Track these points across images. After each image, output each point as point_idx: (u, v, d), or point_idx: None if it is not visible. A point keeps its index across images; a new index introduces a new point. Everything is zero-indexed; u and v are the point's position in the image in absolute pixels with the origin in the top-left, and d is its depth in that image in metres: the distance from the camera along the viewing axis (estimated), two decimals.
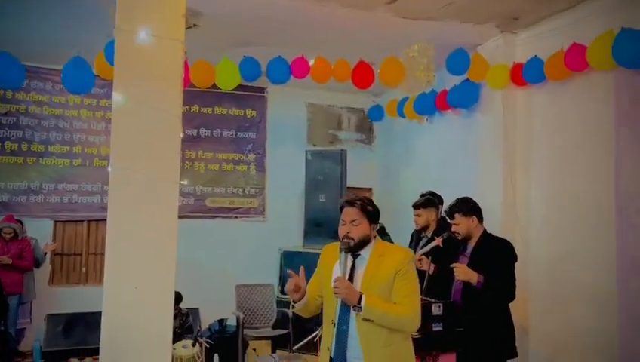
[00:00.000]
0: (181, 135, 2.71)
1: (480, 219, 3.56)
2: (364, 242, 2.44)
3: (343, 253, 2.39)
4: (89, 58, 4.42)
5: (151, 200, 2.65)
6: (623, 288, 3.65)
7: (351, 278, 2.41)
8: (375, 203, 2.55)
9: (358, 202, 2.46)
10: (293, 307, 2.52)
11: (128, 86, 2.63)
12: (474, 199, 3.62)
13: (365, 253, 2.46)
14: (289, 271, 2.50)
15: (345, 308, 2.41)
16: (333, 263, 2.48)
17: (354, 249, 2.43)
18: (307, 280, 2.61)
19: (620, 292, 3.67)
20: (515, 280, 3.38)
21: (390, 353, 2.38)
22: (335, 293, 2.33)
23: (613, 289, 3.71)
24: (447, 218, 3.67)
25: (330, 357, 2.45)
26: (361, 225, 2.43)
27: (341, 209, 2.52)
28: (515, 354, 3.43)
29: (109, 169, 2.62)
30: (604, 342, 3.77)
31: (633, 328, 3.55)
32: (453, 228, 3.57)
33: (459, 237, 3.54)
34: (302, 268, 2.49)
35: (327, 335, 2.50)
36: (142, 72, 2.65)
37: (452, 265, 3.39)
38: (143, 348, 2.64)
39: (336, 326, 2.43)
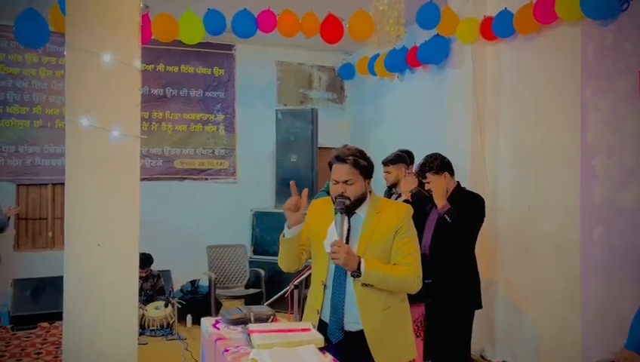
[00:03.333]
0: (140, 85, 2.60)
1: (451, 174, 3.58)
2: (360, 200, 2.23)
3: (338, 214, 2.16)
4: (44, 12, 4.20)
5: (111, 155, 2.56)
6: (586, 238, 3.74)
7: (347, 239, 2.20)
8: (367, 154, 2.27)
9: (351, 158, 2.17)
10: (283, 236, 2.25)
11: (81, 34, 2.49)
12: (443, 155, 3.62)
13: (361, 211, 2.25)
14: (291, 182, 2.22)
15: (340, 272, 2.22)
16: (324, 221, 2.27)
17: (350, 208, 2.21)
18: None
19: (583, 242, 3.76)
20: (474, 231, 3.46)
21: (388, 315, 2.24)
22: (333, 259, 2.12)
23: (577, 240, 3.80)
24: (420, 178, 3.65)
25: (321, 320, 2.28)
26: (356, 184, 2.19)
27: (330, 165, 2.23)
28: (479, 306, 3.52)
29: (65, 123, 2.51)
30: (567, 290, 3.88)
31: (595, 276, 3.65)
32: (426, 187, 3.57)
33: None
34: (305, 190, 2.18)
35: (316, 295, 2.31)
36: (96, 19, 2.51)
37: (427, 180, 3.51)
38: (108, 307, 2.59)
39: (329, 289, 2.26)
